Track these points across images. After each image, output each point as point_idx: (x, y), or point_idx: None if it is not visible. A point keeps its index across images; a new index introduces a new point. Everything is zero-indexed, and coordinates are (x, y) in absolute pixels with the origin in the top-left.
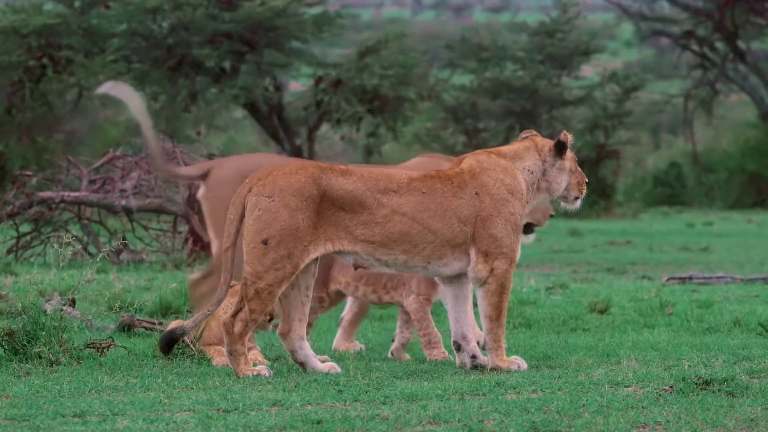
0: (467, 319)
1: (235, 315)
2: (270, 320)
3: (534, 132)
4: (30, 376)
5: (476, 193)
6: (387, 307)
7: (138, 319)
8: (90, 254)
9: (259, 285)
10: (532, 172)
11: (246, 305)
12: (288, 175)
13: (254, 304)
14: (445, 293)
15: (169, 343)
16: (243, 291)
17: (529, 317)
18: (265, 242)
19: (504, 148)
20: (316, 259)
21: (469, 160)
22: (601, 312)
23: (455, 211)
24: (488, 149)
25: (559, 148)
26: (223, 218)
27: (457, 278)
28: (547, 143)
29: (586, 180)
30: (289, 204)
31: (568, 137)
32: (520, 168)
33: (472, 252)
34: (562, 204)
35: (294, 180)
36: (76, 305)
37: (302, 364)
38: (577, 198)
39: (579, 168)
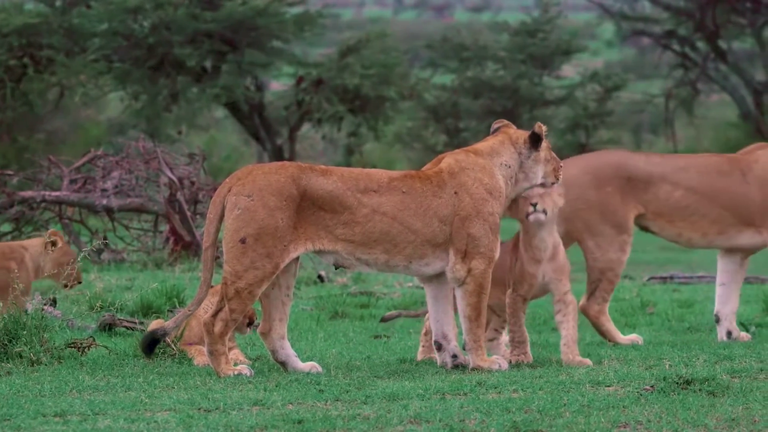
0: (448, 318)
1: (215, 315)
2: (249, 324)
3: (506, 122)
4: (11, 375)
5: (455, 193)
6: None
7: (119, 319)
8: None
9: (239, 284)
10: (509, 167)
11: (226, 305)
12: (267, 174)
13: (234, 304)
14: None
15: (151, 345)
16: (223, 290)
17: None
18: (243, 241)
19: (480, 146)
20: (297, 258)
21: (448, 160)
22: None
23: (435, 211)
24: (466, 148)
25: (534, 140)
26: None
27: (437, 278)
28: (522, 135)
29: (561, 165)
30: (268, 203)
31: (543, 129)
32: (498, 164)
33: (451, 251)
34: None
35: (273, 179)
36: (57, 305)
37: (283, 364)
38: (554, 184)
39: (554, 154)
